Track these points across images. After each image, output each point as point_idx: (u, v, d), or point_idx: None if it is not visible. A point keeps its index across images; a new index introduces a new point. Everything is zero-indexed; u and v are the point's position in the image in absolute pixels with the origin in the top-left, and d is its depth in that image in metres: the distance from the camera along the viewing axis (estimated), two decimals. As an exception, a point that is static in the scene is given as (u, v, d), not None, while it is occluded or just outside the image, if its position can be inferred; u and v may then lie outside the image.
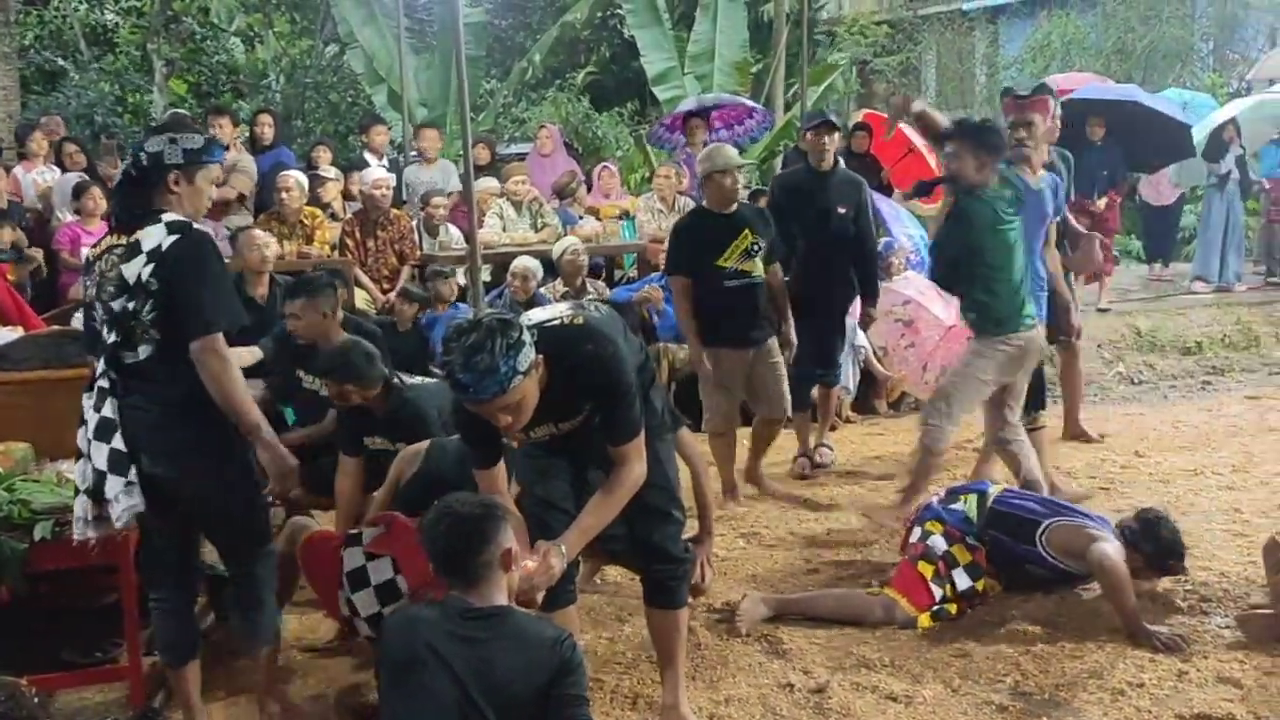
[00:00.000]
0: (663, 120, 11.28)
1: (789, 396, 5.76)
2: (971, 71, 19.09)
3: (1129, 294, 10.64)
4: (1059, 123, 5.53)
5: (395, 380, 4.43)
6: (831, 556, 4.96)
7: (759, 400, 5.77)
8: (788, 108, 14.32)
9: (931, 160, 9.16)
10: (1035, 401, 5.54)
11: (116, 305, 3.14)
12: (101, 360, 3.22)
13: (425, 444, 4.12)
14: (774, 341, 5.71)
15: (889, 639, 4.07)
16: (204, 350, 3.11)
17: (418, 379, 4.77)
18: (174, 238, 3.14)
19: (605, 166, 10.16)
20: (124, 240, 3.20)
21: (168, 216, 3.19)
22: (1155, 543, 4.17)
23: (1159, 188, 11.58)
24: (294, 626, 4.29)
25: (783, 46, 14.38)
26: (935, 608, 4.19)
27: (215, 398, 3.14)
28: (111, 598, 3.70)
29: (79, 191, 7.91)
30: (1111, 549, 4.04)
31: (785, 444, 6.45)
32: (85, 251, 7.49)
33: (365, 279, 7.69)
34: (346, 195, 8.78)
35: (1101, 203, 9.44)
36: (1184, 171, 11.17)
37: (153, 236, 3.14)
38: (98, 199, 7.75)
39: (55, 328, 4.90)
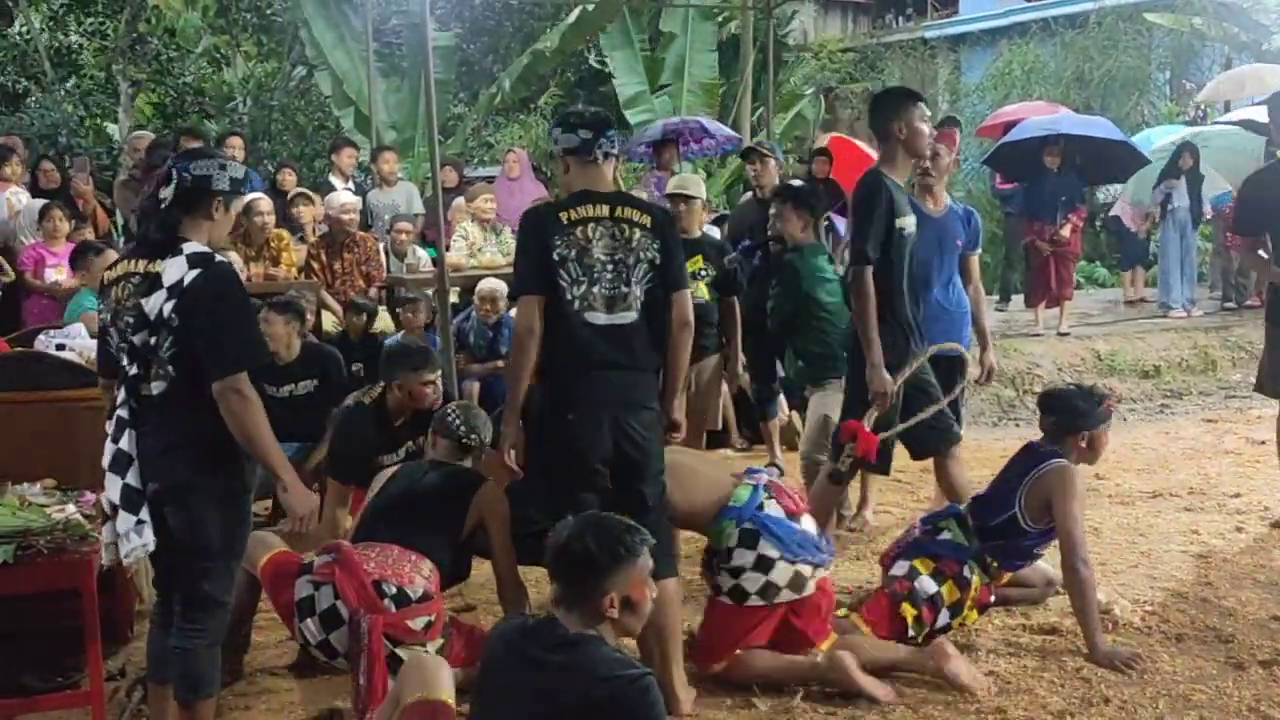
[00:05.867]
0: (639, 139, 11.43)
1: (723, 410, 6.32)
2: (934, 98, 19.32)
3: (1089, 318, 10.76)
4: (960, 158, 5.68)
5: None
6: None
7: (692, 408, 5.87)
8: (754, 132, 14.44)
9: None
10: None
11: (137, 339, 3.09)
12: (122, 390, 3.16)
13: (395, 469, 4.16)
14: (714, 359, 5.92)
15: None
16: (226, 390, 3.03)
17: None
18: (195, 272, 3.06)
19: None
20: (142, 268, 3.13)
21: (189, 248, 3.11)
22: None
23: (1128, 214, 11.66)
24: (257, 655, 4.26)
25: (750, 70, 14.51)
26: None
27: (238, 437, 3.07)
28: (73, 621, 3.67)
29: (43, 213, 7.85)
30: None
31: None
32: (49, 273, 7.49)
33: (332, 301, 7.69)
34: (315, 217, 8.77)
35: (1066, 229, 9.59)
36: (1137, 194, 11.26)
37: (173, 270, 3.06)
38: (58, 221, 7.70)
39: (19, 350, 4.85)
